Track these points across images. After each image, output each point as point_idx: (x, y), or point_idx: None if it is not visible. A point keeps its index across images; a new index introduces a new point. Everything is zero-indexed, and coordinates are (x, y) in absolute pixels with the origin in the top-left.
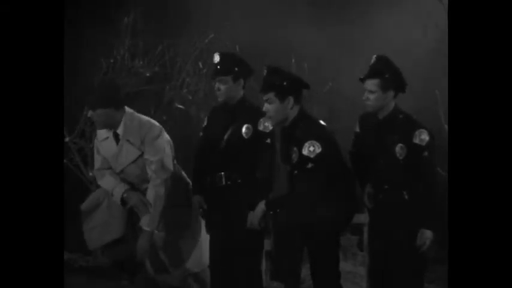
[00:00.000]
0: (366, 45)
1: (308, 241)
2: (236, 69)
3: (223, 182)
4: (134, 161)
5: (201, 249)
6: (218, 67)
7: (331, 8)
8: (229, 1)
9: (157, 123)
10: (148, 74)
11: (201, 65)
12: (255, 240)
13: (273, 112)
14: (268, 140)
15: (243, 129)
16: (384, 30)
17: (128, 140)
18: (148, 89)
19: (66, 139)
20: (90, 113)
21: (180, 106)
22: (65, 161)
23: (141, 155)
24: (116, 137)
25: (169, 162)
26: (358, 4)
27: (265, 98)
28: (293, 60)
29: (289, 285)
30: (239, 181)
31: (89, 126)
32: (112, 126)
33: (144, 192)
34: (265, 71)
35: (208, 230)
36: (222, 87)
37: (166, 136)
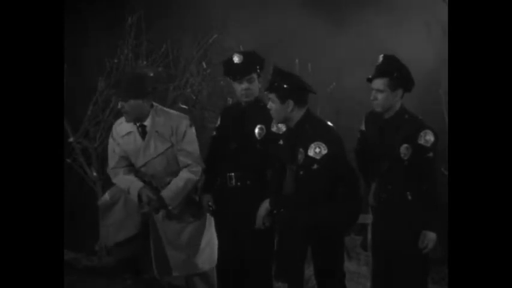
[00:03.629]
0: (369, 45)
1: (312, 241)
2: (258, 67)
3: (234, 183)
4: (163, 153)
5: (212, 247)
6: (243, 67)
7: (334, 9)
8: (233, 1)
9: (185, 115)
10: (152, 74)
11: (204, 65)
12: (264, 241)
13: (273, 112)
14: (281, 141)
15: (256, 130)
16: (387, 30)
17: (157, 132)
18: None
19: (71, 139)
20: (121, 104)
21: (184, 106)
22: (68, 161)
23: (171, 147)
24: (143, 129)
25: None
26: (362, 4)
27: (269, 96)
28: (297, 61)
29: (293, 285)
30: (248, 182)
31: (92, 126)
32: (141, 118)
33: (164, 188)
34: (272, 71)
35: (218, 230)
36: (252, 86)
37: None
